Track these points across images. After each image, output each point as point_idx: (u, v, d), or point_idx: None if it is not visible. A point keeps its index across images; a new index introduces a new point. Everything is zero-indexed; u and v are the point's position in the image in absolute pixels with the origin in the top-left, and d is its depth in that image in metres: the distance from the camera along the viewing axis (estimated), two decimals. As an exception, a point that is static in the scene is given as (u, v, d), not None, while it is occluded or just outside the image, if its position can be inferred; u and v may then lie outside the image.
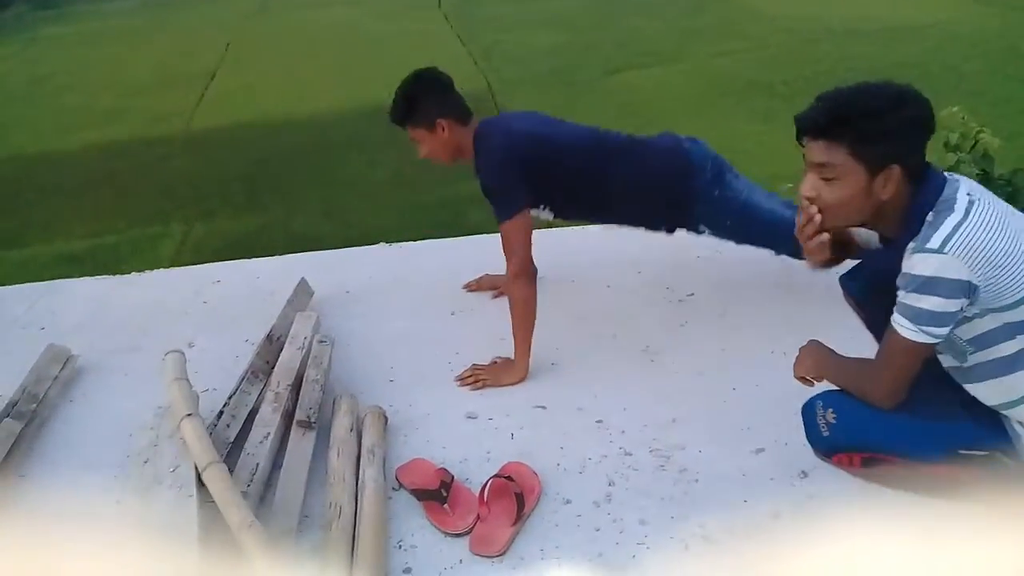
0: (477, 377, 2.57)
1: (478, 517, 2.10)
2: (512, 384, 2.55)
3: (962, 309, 1.65)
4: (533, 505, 2.13)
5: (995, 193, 1.84)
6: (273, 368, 2.58)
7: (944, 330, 1.67)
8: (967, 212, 1.64)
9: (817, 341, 2.02)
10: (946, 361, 1.81)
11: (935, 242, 1.62)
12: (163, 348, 2.59)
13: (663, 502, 2.11)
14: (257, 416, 2.39)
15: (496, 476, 2.19)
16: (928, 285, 1.63)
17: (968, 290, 1.62)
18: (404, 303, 3.01)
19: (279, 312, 2.84)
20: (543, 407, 2.47)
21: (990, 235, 1.62)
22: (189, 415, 2.24)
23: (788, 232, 2.60)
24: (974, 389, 1.76)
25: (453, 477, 2.20)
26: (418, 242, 3.44)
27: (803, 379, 2.03)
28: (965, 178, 1.75)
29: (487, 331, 2.78)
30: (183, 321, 3.03)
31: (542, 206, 2.63)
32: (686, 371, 2.56)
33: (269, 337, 2.70)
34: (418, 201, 4.98)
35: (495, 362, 2.62)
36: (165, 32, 11.90)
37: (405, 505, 2.18)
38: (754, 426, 2.30)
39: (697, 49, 7.77)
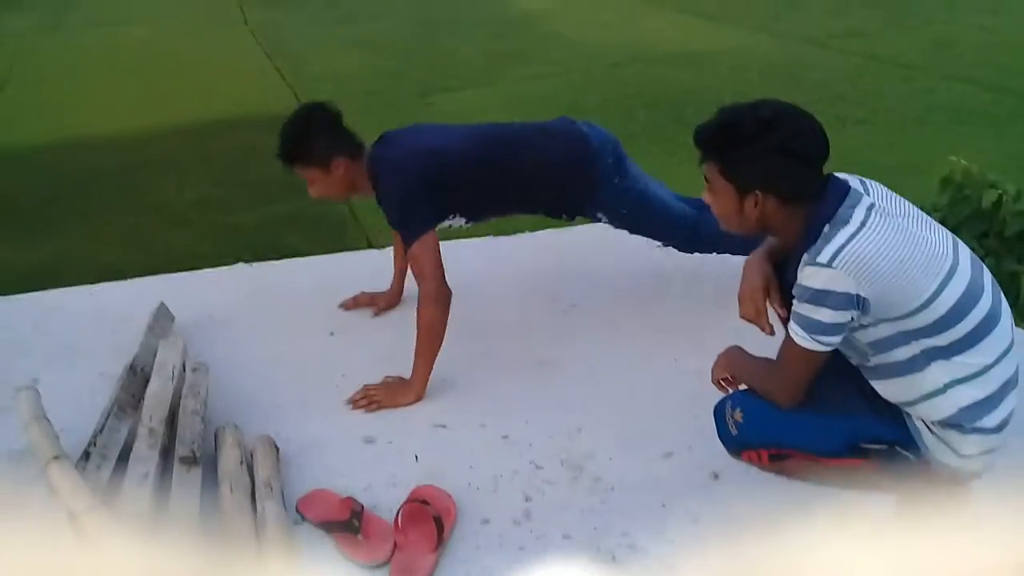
0: (371, 398, 2.44)
1: (395, 546, 1.98)
2: (408, 404, 2.44)
3: (853, 319, 1.71)
4: (451, 528, 2.03)
5: None
6: (141, 401, 2.34)
7: (836, 339, 1.73)
8: (861, 225, 1.69)
9: (737, 346, 2.05)
10: (852, 359, 1.87)
11: (824, 256, 1.67)
12: (2, 388, 2.30)
13: (583, 513, 2.07)
14: (132, 454, 2.15)
15: (409, 501, 2.08)
16: (818, 297, 1.68)
17: (857, 302, 1.68)
18: (276, 325, 2.83)
19: (136, 341, 2.59)
20: (444, 426, 2.37)
21: (881, 250, 1.67)
22: (56, 457, 1.99)
23: (676, 225, 2.66)
24: (878, 386, 1.83)
25: (363, 506, 2.07)
26: (282, 260, 3.23)
27: (720, 383, 2.04)
28: (877, 187, 1.81)
29: (373, 350, 2.65)
30: (23, 356, 2.70)
31: (453, 215, 2.54)
32: (583, 380, 2.54)
33: (132, 368, 2.45)
34: (233, 224, 4.69)
35: (387, 381, 2.50)
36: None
37: (311, 539, 2.02)
38: (659, 430, 2.31)
39: (507, 73, 7.89)
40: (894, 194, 1.85)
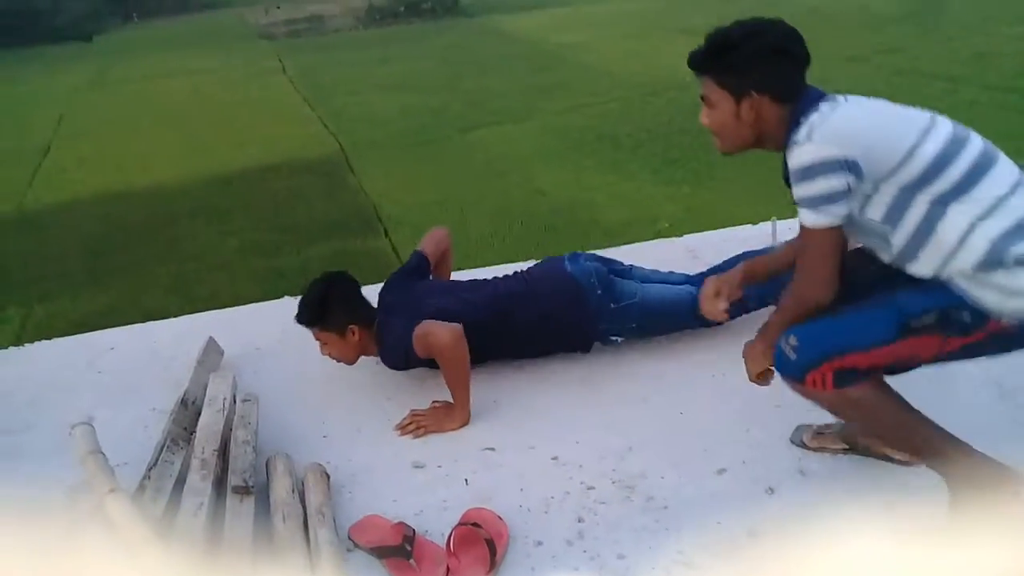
0: (418, 424, 2.45)
1: (448, 569, 1.97)
2: (455, 429, 2.44)
3: (850, 186, 1.74)
4: (504, 550, 2.02)
5: None
6: (193, 434, 2.37)
7: (842, 207, 1.75)
8: (832, 107, 1.79)
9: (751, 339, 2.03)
10: (883, 255, 1.85)
11: (801, 135, 1.76)
12: (59, 425, 2.35)
13: (637, 533, 2.04)
14: (185, 486, 2.17)
15: (460, 524, 2.07)
16: (809, 172, 1.75)
17: (847, 165, 1.72)
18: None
19: (186, 375, 2.63)
20: (492, 449, 2.36)
21: (854, 115, 1.78)
22: (112, 490, 2.02)
23: (687, 313, 2.65)
24: (912, 268, 1.80)
25: (415, 531, 2.07)
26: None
27: (760, 377, 2.01)
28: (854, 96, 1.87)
29: (418, 376, 2.66)
30: (79, 394, 2.76)
31: None
32: (630, 400, 2.52)
33: (184, 401, 2.49)
34: (275, 267, 4.71)
35: (434, 407, 2.50)
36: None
37: (364, 566, 2.02)
38: (710, 447, 2.28)
39: (545, 106, 7.93)
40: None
